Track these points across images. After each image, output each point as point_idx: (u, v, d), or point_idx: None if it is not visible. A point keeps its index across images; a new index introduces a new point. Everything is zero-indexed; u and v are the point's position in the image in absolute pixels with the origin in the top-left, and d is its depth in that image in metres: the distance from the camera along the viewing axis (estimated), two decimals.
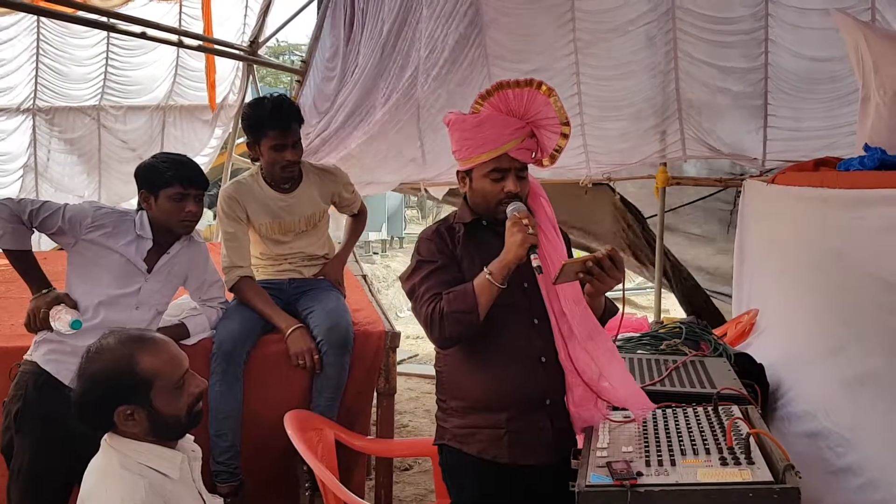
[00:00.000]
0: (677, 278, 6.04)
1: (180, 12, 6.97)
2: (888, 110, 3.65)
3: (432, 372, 6.92)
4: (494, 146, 2.03)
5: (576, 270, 1.97)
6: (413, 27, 6.00)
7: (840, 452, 2.54)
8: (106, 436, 1.74)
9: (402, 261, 15.86)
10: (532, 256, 1.95)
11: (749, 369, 2.94)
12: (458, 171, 2.16)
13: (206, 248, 2.90)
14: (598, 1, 5.61)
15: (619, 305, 2.15)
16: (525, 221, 1.97)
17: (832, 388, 2.74)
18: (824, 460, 2.57)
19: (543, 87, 2.02)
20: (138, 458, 1.70)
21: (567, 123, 2.05)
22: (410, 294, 2.12)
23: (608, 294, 2.16)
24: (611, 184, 5.72)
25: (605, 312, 2.18)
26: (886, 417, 2.33)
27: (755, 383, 2.79)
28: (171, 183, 2.58)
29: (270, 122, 2.88)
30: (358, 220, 3.36)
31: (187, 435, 1.86)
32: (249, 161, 7.59)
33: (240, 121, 3.04)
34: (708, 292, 6.26)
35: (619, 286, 2.04)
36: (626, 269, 2.11)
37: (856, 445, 2.47)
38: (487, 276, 1.98)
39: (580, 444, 2.06)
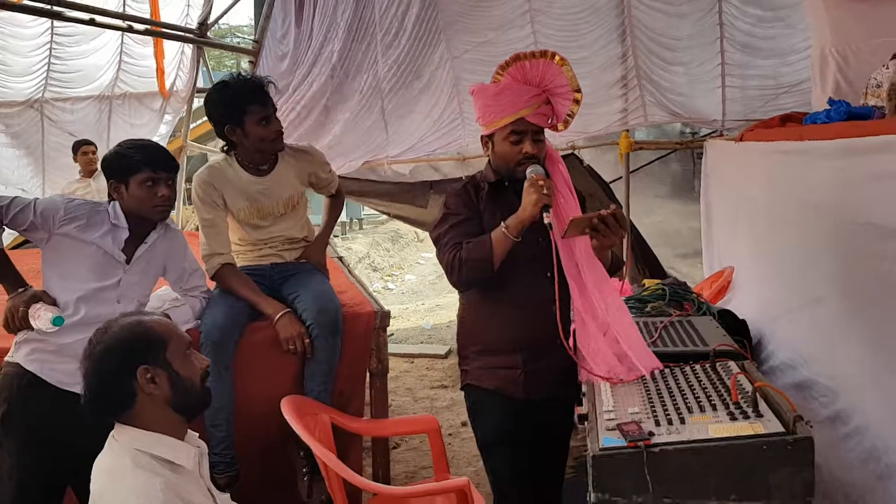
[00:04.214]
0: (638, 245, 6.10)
1: None
2: (847, 67, 3.73)
3: (410, 351, 6.90)
4: (513, 111, 2.25)
5: (582, 226, 2.17)
6: (370, 5, 5.92)
7: (825, 402, 2.60)
8: (113, 431, 1.70)
9: (363, 241, 15.76)
10: (545, 214, 2.17)
11: (733, 325, 2.99)
12: (482, 136, 2.39)
13: (183, 236, 2.82)
14: None
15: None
16: (541, 183, 2.19)
17: (812, 338, 2.80)
18: (811, 410, 2.63)
19: (557, 58, 2.23)
20: (150, 450, 1.66)
21: (579, 90, 2.26)
22: (436, 241, 2.37)
23: None
24: (576, 153, 5.75)
25: (613, 264, 2.41)
26: (870, 365, 2.38)
27: (743, 339, 2.84)
28: (140, 168, 2.49)
29: (251, 97, 2.80)
30: (336, 200, 3.29)
31: (191, 431, 1.83)
32: (209, 147, 7.47)
33: (209, 108, 2.90)
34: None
35: None
36: None
37: (840, 395, 2.53)
38: (503, 230, 2.21)
39: (582, 380, 2.29)
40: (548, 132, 2.39)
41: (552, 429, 2.46)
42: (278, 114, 2.93)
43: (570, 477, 2.67)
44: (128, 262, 2.55)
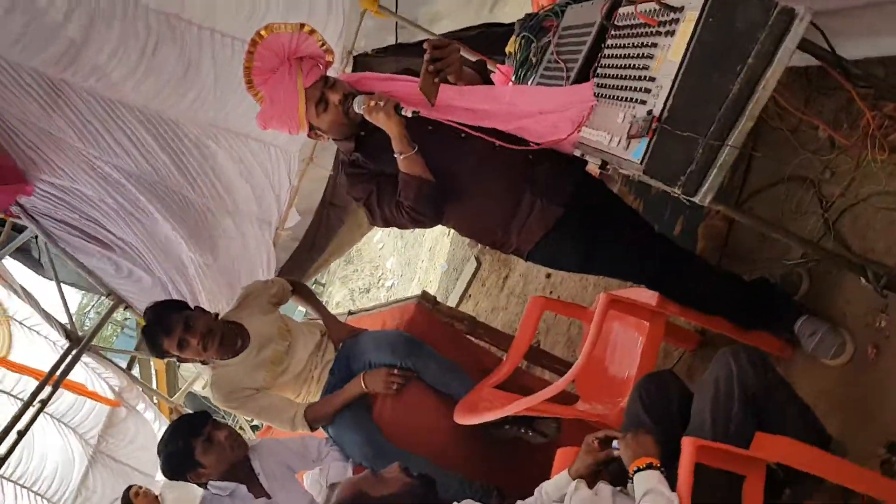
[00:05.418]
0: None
1: None
2: None
3: (458, 295, 6.82)
4: (295, 97, 2.28)
5: (430, 82, 2.19)
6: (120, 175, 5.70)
7: None
8: None
9: (335, 288, 15.70)
10: (403, 112, 2.19)
11: None
12: (308, 135, 2.41)
13: (269, 439, 2.90)
14: None
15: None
16: (372, 103, 2.20)
17: None
18: None
19: (263, 33, 2.24)
20: None
21: (302, 24, 2.27)
22: (386, 222, 2.44)
23: None
24: (354, 55, 5.64)
25: (480, 72, 2.47)
26: None
27: None
28: (192, 449, 2.62)
29: (159, 335, 2.82)
30: (301, 291, 3.29)
31: None
32: (186, 386, 7.47)
33: (153, 352, 2.97)
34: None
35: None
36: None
37: None
38: (401, 157, 2.27)
39: (573, 150, 2.27)
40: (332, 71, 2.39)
41: (599, 202, 2.51)
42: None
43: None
44: (268, 497, 2.62)
